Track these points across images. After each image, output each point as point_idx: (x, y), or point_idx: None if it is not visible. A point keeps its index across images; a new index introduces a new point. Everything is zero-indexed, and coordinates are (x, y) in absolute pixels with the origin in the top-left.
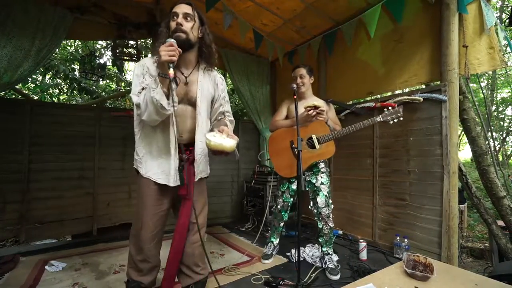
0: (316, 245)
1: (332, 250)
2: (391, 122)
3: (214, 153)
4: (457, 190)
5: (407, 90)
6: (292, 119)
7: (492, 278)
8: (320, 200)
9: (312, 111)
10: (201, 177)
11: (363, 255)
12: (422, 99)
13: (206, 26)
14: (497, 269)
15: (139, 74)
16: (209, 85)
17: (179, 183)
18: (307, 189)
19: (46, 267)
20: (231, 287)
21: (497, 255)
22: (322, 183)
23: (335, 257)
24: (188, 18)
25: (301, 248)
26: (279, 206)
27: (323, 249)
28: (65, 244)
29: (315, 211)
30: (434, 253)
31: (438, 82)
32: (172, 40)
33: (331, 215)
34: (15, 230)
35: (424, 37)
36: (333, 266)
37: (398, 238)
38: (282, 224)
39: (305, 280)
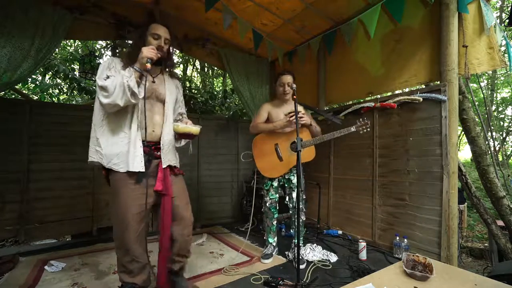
0: (315, 244)
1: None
2: (361, 132)
3: (181, 136)
4: (456, 190)
5: (406, 90)
6: (273, 123)
7: (491, 278)
8: (295, 195)
9: (293, 117)
10: (170, 164)
11: (363, 255)
12: (421, 99)
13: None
14: (497, 269)
15: (106, 66)
16: (173, 87)
17: (143, 170)
18: (286, 185)
19: (46, 267)
20: (230, 287)
21: (496, 255)
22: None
23: (334, 257)
24: (166, 41)
25: (294, 248)
26: (267, 204)
27: (295, 240)
28: (65, 244)
29: (291, 205)
30: (434, 253)
31: (438, 82)
32: (153, 47)
33: (304, 209)
34: (14, 230)
35: (423, 37)
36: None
37: (397, 238)
38: (275, 222)
39: (304, 280)
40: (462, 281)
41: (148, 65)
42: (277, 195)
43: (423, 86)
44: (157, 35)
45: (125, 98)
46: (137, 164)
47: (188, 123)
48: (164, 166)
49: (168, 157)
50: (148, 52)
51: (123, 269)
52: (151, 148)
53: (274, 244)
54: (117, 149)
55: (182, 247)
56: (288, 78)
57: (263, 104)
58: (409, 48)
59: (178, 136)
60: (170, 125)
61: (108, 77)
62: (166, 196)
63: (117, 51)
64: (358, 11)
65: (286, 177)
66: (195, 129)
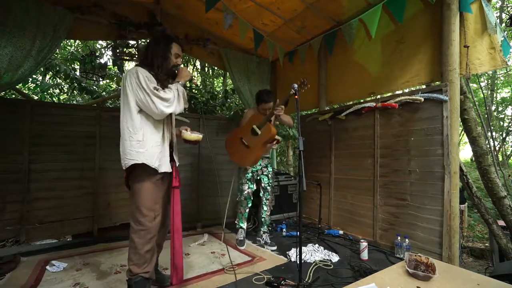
0: (317, 245)
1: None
2: (302, 90)
3: (187, 142)
4: (458, 190)
5: (408, 90)
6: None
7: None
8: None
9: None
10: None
11: (364, 255)
12: (423, 99)
13: None
14: (498, 269)
15: (148, 77)
16: None
17: (170, 170)
18: (261, 180)
19: (47, 267)
20: (232, 287)
21: (497, 255)
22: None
23: (335, 257)
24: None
25: (296, 248)
26: (245, 193)
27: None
28: (66, 244)
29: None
30: (435, 253)
31: (439, 82)
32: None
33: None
34: (15, 230)
35: (425, 38)
36: (269, 241)
37: (399, 238)
38: (247, 210)
39: (306, 280)
40: (464, 281)
41: (195, 81)
42: (254, 186)
43: (424, 86)
44: (178, 55)
45: (180, 108)
46: (167, 165)
47: (188, 129)
48: (177, 164)
49: (175, 157)
50: (189, 74)
51: (138, 261)
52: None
53: (244, 228)
54: (156, 150)
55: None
56: (270, 105)
57: (248, 109)
58: (411, 48)
59: (185, 142)
60: (175, 129)
61: (157, 89)
62: (177, 189)
63: (117, 51)
64: (359, 11)
65: (261, 173)
66: (201, 136)
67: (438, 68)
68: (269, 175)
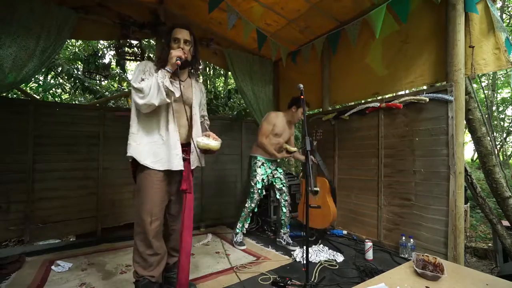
0: (322, 245)
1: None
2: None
3: (202, 151)
4: (463, 190)
5: (412, 90)
6: (276, 153)
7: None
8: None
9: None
10: (197, 165)
11: (369, 255)
12: (428, 99)
13: (198, 46)
14: (505, 269)
15: (142, 70)
16: (198, 91)
17: (182, 168)
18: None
19: (53, 267)
20: (239, 287)
21: (501, 255)
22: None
23: (340, 257)
24: (187, 42)
25: (303, 247)
26: (255, 201)
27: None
28: (70, 244)
29: (283, 201)
30: (440, 253)
31: (444, 83)
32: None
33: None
34: (19, 230)
35: (429, 38)
36: (291, 241)
37: (403, 238)
38: (251, 215)
39: (312, 279)
40: (473, 281)
41: (178, 62)
42: (264, 192)
43: (425, 87)
44: (176, 39)
45: (160, 97)
46: (177, 163)
47: (210, 135)
48: (193, 167)
49: (192, 158)
50: (176, 52)
51: (143, 263)
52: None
53: (244, 231)
54: (153, 148)
55: (175, 240)
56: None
57: (270, 113)
58: (415, 49)
59: (201, 151)
60: (198, 127)
61: (142, 79)
62: (189, 194)
63: (119, 51)
64: (363, 11)
65: (272, 176)
66: (213, 144)
67: (443, 69)
68: (282, 176)
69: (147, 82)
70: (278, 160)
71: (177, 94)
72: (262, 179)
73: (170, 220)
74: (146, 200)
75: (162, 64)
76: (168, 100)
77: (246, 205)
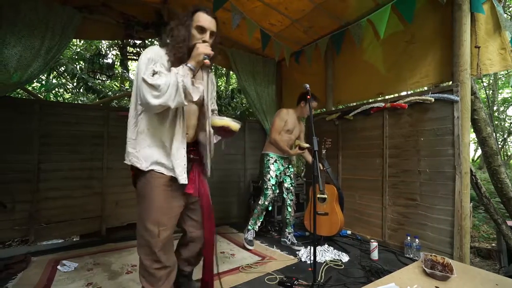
0: (326, 245)
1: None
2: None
3: (219, 130)
4: (469, 190)
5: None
6: (288, 150)
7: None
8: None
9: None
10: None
11: (375, 255)
12: (433, 100)
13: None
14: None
15: (152, 58)
16: (210, 84)
17: (186, 182)
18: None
19: (59, 267)
20: (245, 287)
21: (506, 255)
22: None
23: (346, 257)
24: (212, 35)
25: (311, 248)
26: (269, 198)
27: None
28: (75, 244)
29: (288, 200)
30: (446, 253)
31: (450, 83)
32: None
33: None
34: (24, 230)
35: (435, 38)
36: (295, 241)
37: (408, 238)
38: (264, 213)
39: (318, 279)
40: (482, 281)
41: (207, 61)
42: (277, 190)
43: (433, 87)
44: (202, 28)
45: (178, 99)
46: (179, 172)
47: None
48: (209, 174)
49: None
50: (205, 48)
51: (150, 278)
52: (188, 152)
53: (256, 229)
54: (157, 153)
55: (194, 248)
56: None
57: (282, 110)
58: (420, 49)
59: (214, 131)
60: (209, 126)
61: (155, 73)
62: (204, 196)
63: (123, 51)
64: (368, 11)
65: (284, 174)
66: (233, 124)
67: (448, 69)
68: (291, 176)
69: (164, 78)
70: (290, 158)
71: (195, 98)
72: (276, 175)
73: (190, 226)
74: (151, 207)
75: (179, 56)
76: (186, 103)
77: (260, 202)
